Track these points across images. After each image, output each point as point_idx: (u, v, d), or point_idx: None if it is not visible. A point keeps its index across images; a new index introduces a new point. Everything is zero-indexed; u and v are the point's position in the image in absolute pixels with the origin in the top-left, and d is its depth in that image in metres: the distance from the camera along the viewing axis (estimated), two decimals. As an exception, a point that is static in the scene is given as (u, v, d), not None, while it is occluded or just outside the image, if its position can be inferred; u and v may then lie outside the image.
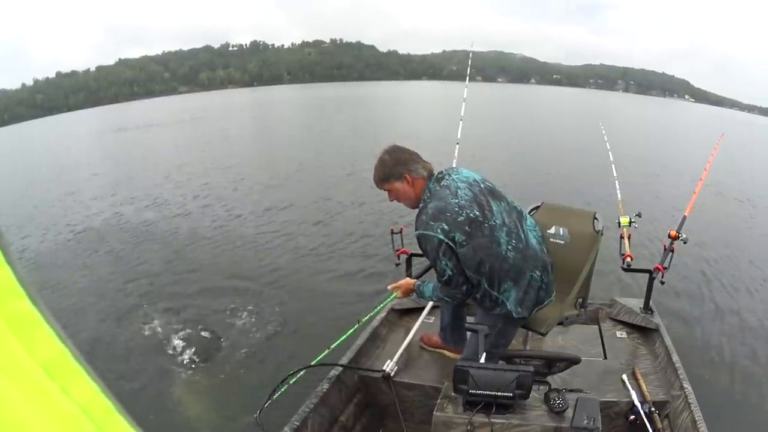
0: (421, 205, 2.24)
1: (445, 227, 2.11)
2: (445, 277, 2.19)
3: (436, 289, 2.36)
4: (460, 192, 2.21)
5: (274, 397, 2.31)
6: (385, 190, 2.34)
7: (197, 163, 14.47)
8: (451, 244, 2.11)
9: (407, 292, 2.66)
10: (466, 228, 2.12)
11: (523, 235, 2.28)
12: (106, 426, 0.34)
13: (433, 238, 2.12)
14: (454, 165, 3.63)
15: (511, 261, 2.19)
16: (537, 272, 2.27)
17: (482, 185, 2.28)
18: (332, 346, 2.73)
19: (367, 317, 2.92)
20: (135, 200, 10.46)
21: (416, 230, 2.19)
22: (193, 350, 4.55)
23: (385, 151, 2.31)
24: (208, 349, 4.55)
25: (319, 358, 2.64)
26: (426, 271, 3.11)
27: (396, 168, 2.25)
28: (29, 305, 0.32)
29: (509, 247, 2.19)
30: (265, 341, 4.64)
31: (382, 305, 3.01)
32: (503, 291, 2.21)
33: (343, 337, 2.80)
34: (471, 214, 2.15)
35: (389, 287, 2.74)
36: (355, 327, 2.84)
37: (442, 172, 2.30)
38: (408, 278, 2.76)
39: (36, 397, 0.31)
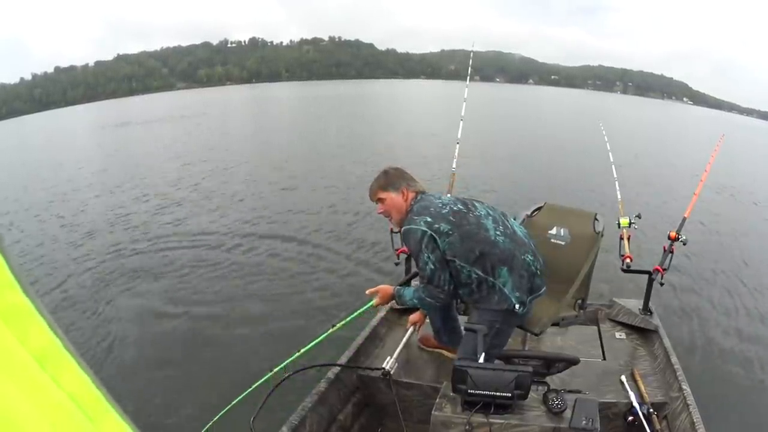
0: (409, 213, 2.35)
1: (429, 219, 2.22)
2: (428, 272, 2.23)
3: (418, 290, 2.37)
4: (443, 197, 2.42)
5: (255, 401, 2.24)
6: (378, 200, 2.45)
7: (202, 161, 14.29)
8: (435, 235, 2.19)
9: (386, 299, 2.61)
10: (451, 218, 2.23)
11: (509, 224, 2.37)
12: (96, 416, 0.34)
13: (417, 231, 2.21)
14: (454, 165, 3.68)
15: (501, 245, 2.23)
16: (529, 256, 2.31)
17: (464, 197, 2.47)
18: (302, 351, 2.64)
19: (341, 324, 2.77)
20: (142, 198, 10.36)
21: (401, 228, 2.34)
22: (185, 350, 4.55)
23: (389, 167, 2.51)
24: (201, 350, 4.53)
25: (287, 361, 2.59)
26: (409, 279, 3.10)
27: (399, 180, 2.41)
28: (22, 296, 0.32)
29: (497, 233, 2.27)
30: (255, 346, 4.58)
31: (357, 312, 2.84)
32: (499, 276, 2.21)
33: (314, 342, 2.69)
34: (455, 208, 2.29)
35: (367, 292, 2.69)
36: (328, 332, 2.71)
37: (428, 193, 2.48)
38: (386, 285, 2.69)
39: (27, 387, 0.31)
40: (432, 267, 2.21)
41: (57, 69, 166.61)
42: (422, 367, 2.86)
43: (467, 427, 1.88)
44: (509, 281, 2.22)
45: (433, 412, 1.96)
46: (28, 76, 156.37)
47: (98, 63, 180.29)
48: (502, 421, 1.89)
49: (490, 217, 2.31)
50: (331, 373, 2.65)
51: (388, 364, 2.66)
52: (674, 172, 13.06)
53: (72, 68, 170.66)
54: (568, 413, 1.91)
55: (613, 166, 4.04)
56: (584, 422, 1.86)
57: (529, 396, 1.93)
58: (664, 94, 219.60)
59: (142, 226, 8.39)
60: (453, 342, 2.86)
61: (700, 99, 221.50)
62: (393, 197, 2.40)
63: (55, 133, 32.45)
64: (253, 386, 2.45)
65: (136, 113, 40.84)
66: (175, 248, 7.20)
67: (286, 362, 2.59)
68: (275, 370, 2.55)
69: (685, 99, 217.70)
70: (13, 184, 13.13)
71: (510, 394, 1.87)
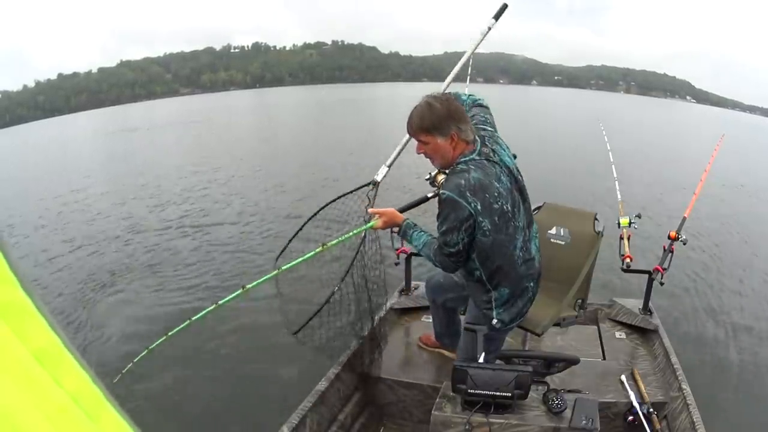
0: (460, 166, 2.00)
1: (479, 208, 1.94)
2: (454, 250, 2.02)
3: (429, 246, 2.14)
4: (503, 177, 2.02)
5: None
6: (420, 140, 2.05)
7: (214, 169, 13.97)
8: (476, 225, 1.96)
9: (389, 225, 2.34)
10: (496, 219, 1.98)
11: (530, 244, 2.18)
12: (95, 414, 0.35)
13: (465, 210, 1.93)
14: None
15: (517, 267, 2.10)
16: (532, 283, 2.20)
17: (518, 177, 2.13)
18: (283, 268, 2.40)
19: (333, 243, 2.45)
20: (156, 209, 10.12)
21: (446, 191, 1.96)
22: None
23: (436, 99, 2.01)
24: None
25: (265, 278, 2.41)
26: (414, 206, 2.85)
27: (447, 122, 1.97)
28: (21, 294, 0.32)
29: (520, 254, 2.10)
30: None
31: (353, 232, 2.49)
32: (496, 291, 2.13)
33: (300, 260, 2.37)
34: (505, 207, 2.00)
35: (371, 210, 2.37)
36: (317, 251, 2.39)
37: (486, 145, 2.06)
38: (395, 210, 2.37)
39: (27, 386, 0.31)
40: (460, 248, 2.00)
41: (60, 76, 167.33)
42: (422, 367, 2.87)
43: (467, 426, 1.88)
44: (502, 300, 2.14)
45: (433, 411, 1.97)
46: (31, 83, 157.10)
47: (101, 70, 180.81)
48: (501, 420, 1.90)
49: (522, 234, 2.10)
50: (331, 372, 2.66)
51: (381, 174, 2.60)
52: (674, 171, 12.99)
53: (75, 75, 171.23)
54: (568, 413, 1.91)
55: (613, 166, 4.04)
56: (584, 422, 1.86)
57: (529, 396, 1.93)
58: (667, 92, 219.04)
59: (153, 233, 8.33)
60: (455, 344, 2.83)
61: (703, 97, 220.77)
62: (439, 143, 2.00)
63: (61, 140, 32.36)
64: (224, 300, 2.32)
65: (142, 120, 40.77)
66: (187, 255, 7.18)
67: (264, 279, 2.41)
68: (248, 287, 2.35)
69: (688, 97, 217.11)
70: (19, 193, 13.09)
71: (510, 394, 1.88)
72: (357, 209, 2.66)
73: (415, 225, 2.29)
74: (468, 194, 1.93)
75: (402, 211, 2.43)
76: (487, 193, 1.95)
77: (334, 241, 2.44)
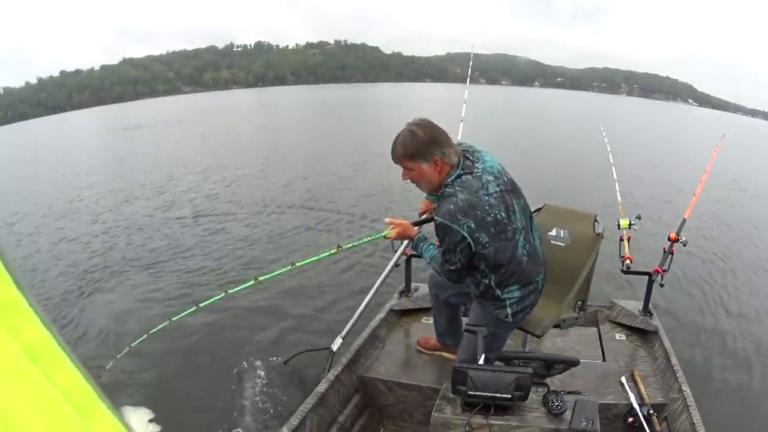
0: (448, 190, 2.05)
1: (472, 225, 1.99)
2: (453, 268, 2.10)
3: (436, 260, 2.22)
4: (490, 187, 2.06)
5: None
6: (405, 167, 2.10)
7: (222, 169, 13.61)
8: (472, 243, 2.01)
9: (402, 237, 2.46)
10: (492, 230, 2.02)
11: (531, 238, 2.23)
12: (87, 411, 0.34)
13: (457, 233, 1.99)
14: None
15: (524, 265, 2.14)
16: (540, 276, 2.25)
17: (505, 178, 2.15)
18: (297, 264, 2.74)
19: (348, 246, 2.66)
20: (164, 208, 9.92)
21: (438, 217, 2.03)
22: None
23: (418, 125, 2.05)
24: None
25: (282, 270, 2.77)
26: (426, 222, 2.90)
27: (430, 148, 2.01)
28: (14, 290, 0.32)
29: (524, 251, 2.14)
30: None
31: (367, 239, 2.69)
32: (507, 292, 2.17)
33: (314, 259, 2.75)
34: (498, 215, 2.04)
35: (387, 220, 2.45)
36: (332, 251, 2.62)
37: (469, 159, 2.11)
38: (409, 224, 2.47)
39: (19, 382, 0.31)
40: (459, 266, 2.09)
41: (62, 73, 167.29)
42: (422, 369, 2.87)
43: (467, 428, 1.89)
44: (515, 299, 2.19)
45: (432, 413, 1.97)
46: (33, 80, 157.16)
47: (104, 67, 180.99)
48: (501, 422, 1.90)
49: (523, 232, 2.15)
50: (331, 374, 2.67)
51: (337, 342, 3.10)
52: (675, 173, 12.99)
53: (77, 72, 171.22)
54: (568, 415, 1.91)
55: (613, 168, 4.04)
56: (584, 424, 1.87)
57: (529, 397, 1.94)
58: (669, 95, 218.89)
59: (155, 231, 8.24)
60: (457, 343, 2.82)
61: (705, 100, 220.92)
62: (423, 169, 2.05)
63: (63, 137, 32.30)
64: (234, 290, 2.69)
65: (144, 117, 40.57)
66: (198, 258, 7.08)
67: (277, 272, 2.77)
68: (261, 279, 2.73)
69: (690, 100, 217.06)
70: (20, 190, 13.03)
71: (510, 396, 1.88)
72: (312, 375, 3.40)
73: (426, 238, 2.40)
74: (459, 217, 1.98)
75: (415, 225, 2.53)
76: (478, 209, 2.01)
77: (349, 245, 2.68)
